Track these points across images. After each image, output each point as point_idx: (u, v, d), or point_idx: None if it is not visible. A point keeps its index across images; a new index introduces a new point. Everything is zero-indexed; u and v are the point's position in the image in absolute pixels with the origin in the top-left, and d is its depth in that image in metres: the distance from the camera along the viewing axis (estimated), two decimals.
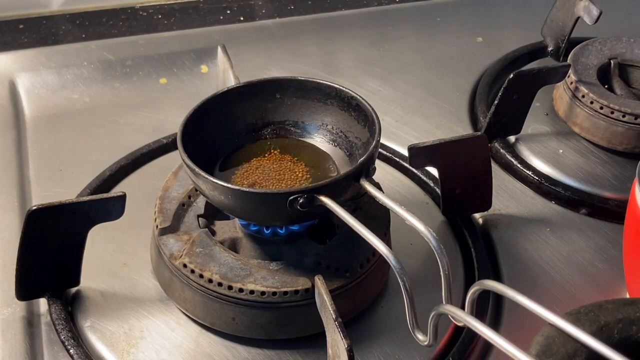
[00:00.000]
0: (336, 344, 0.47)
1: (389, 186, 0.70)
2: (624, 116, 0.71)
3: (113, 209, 0.54)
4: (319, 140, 0.60)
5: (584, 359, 0.37)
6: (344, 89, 0.58)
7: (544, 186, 0.71)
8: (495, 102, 0.71)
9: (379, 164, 0.69)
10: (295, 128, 0.61)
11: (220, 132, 0.58)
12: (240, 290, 0.52)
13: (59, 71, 0.82)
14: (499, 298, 0.60)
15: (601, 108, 0.72)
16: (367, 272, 0.55)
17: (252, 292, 0.52)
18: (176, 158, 0.55)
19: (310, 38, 0.90)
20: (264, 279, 0.53)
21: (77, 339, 0.55)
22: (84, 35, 0.88)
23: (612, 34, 0.80)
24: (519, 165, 0.72)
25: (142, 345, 0.55)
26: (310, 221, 0.57)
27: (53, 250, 0.55)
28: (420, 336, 0.45)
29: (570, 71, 0.75)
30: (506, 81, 0.70)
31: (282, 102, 0.60)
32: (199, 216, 0.58)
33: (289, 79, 0.60)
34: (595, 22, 0.78)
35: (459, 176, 0.64)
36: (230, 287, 0.53)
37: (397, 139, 0.75)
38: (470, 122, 0.79)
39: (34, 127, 0.76)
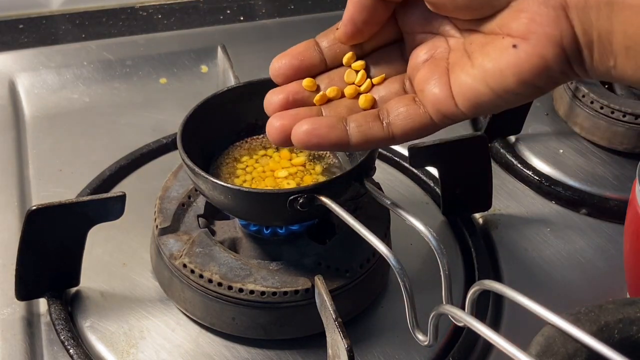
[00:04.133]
0: (336, 344, 0.47)
1: (389, 186, 0.69)
2: (624, 116, 0.71)
3: (113, 209, 0.54)
4: None
5: (584, 359, 0.37)
6: None
7: (544, 186, 0.71)
8: None
9: (379, 164, 0.69)
10: None
11: (220, 131, 0.58)
12: (240, 290, 0.52)
13: (59, 71, 0.82)
14: (499, 298, 0.60)
15: (601, 108, 0.72)
16: (367, 272, 0.55)
17: (252, 292, 0.52)
18: (176, 158, 0.55)
19: (311, 38, 0.90)
20: (264, 279, 0.53)
21: (77, 339, 0.55)
22: (83, 35, 0.88)
23: None
24: (519, 165, 0.72)
25: (142, 345, 0.55)
26: (310, 221, 0.57)
27: (53, 250, 0.55)
28: (420, 336, 0.45)
29: None
30: None
31: None
32: (199, 216, 0.58)
33: None
34: None
35: (459, 176, 0.64)
36: (230, 287, 0.53)
37: None
38: (470, 122, 0.79)
39: (34, 127, 0.76)
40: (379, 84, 0.44)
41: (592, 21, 0.36)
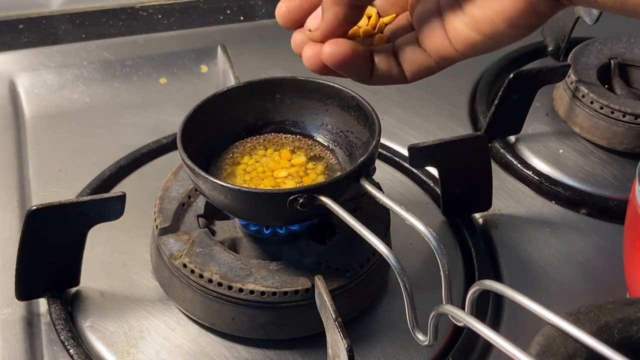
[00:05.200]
0: (336, 344, 0.47)
1: (389, 186, 0.70)
2: (624, 116, 0.71)
3: (113, 209, 0.54)
4: (319, 140, 0.60)
5: (584, 359, 0.37)
6: (344, 88, 0.58)
7: (544, 186, 0.71)
8: (495, 102, 0.71)
9: (379, 164, 0.69)
10: (295, 128, 0.61)
11: (220, 132, 0.58)
12: (240, 290, 0.52)
13: (59, 71, 0.82)
14: (499, 298, 0.60)
15: (601, 108, 0.72)
16: (367, 272, 0.55)
17: (252, 292, 0.52)
18: (176, 158, 0.55)
19: None
20: (264, 279, 0.53)
21: (77, 339, 0.55)
22: (83, 35, 0.88)
23: (612, 34, 0.80)
24: (519, 165, 0.72)
25: (142, 345, 0.55)
26: (310, 221, 0.57)
27: (53, 250, 0.55)
28: (420, 336, 0.45)
29: (570, 71, 0.75)
30: (506, 81, 0.70)
31: (282, 102, 0.60)
32: (199, 216, 0.58)
33: (289, 79, 0.60)
34: (596, 22, 0.77)
35: (459, 176, 0.64)
36: (230, 287, 0.53)
37: (397, 139, 0.75)
38: (470, 122, 0.79)
39: (34, 127, 0.76)
40: (390, 22, 0.46)
41: None
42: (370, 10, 0.46)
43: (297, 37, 0.44)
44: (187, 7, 0.94)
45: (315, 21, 0.43)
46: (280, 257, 0.56)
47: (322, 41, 0.43)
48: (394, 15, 0.46)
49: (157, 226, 0.57)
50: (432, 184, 0.70)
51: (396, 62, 0.43)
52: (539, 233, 0.67)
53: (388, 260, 0.44)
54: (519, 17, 0.38)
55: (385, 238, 0.58)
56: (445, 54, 0.42)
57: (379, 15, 0.46)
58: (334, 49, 0.42)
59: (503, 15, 0.38)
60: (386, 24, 0.46)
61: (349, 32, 0.45)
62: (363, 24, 0.46)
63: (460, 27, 0.40)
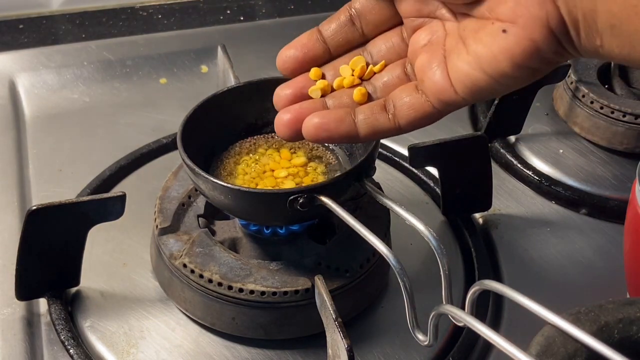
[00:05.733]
0: (336, 344, 0.47)
1: (389, 186, 0.70)
2: (624, 116, 0.71)
3: (113, 209, 0.54)
4: None
5: (584, 359, 0.37)
6: None
7: (544, 186, 0.71)
8: (495, 102, 0.71)
9: (379, 164, 0.69)
10: None
11: (220, 131, 0.58)
12: (240, 290, 0.52)
13: (59, 71, 0.82)
14: (499, 298, 0.60)
15: (601, 108, 0.72)
16: (367, 272, 0.55)
17: (252, 292, 0.52)
18: (176, 158, 0.55)
19: None
20: (264, 279, 0.53)
21: (77, 339, 0.55)
22: (83, 35, 0.88)
23: None
24: (519, 165, 0.72)
25: (142, 345, 0.55)
26: (310, 221, 0.57)
27: (53, 250, 0.55)
28: (420, 336, 0.45)
29: (570, 71, 0.75)
30: None
31: None
32: (199, 216, 0.58)
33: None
34: None
35: (459, 176, 0.64)
36: (230, 287, 0.53)
37: (397, 139, 0.75)
38: (470, 122, 0.79)
39: (34, 127, 0.76)
40: (381, 70, 0.45)
41: (575, 1, 0.36)
42: (357, 60, 0.45)
43: (281, 93, 0.46)
44: (187, 7, 0.94)
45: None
46: (280, 257, 0.56)
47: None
48: (384, 62, 0.45)
49: (157, 226, 0.57)
50: (432, 184, 0.70)
51: (384, 111, 0.43)
52: (539, 233, 0.67)
53: (388, 260, 0.44)
54: (522, 56, 0.37)
55: (385, 238, 0.58)
56: (445, 97, 0.41)
57: (368, 64, 0.45)
58: (317, 122, 0.42)
59: (507, 53, 0.37)
60: (375, 73, 0.45)
61: (334, 85, 0.45)
62: (347, 75, 0.45)
63: (463, 67, 0.39)
